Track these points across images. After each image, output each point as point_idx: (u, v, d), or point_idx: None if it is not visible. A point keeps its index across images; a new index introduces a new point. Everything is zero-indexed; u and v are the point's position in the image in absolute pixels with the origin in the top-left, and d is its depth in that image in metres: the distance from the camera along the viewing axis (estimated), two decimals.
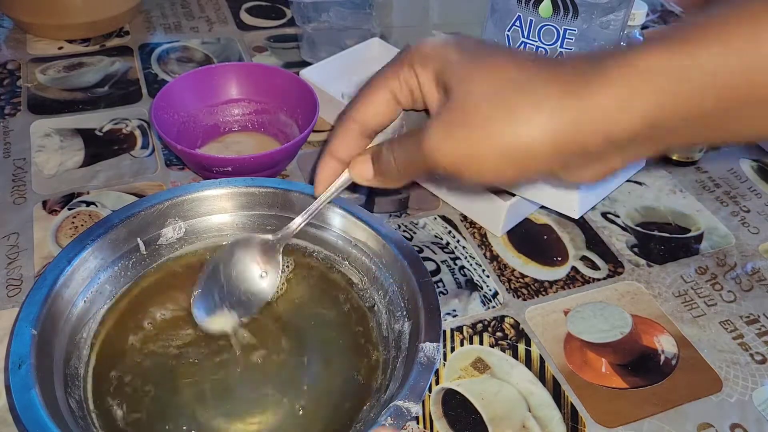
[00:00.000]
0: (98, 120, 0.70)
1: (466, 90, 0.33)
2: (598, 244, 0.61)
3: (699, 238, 0.63)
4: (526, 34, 0.68)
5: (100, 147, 0.67)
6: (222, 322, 0.47)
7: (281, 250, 0.47)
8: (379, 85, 0.39)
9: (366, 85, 0.40)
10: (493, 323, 0.54)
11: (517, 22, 0.61)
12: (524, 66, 0.33)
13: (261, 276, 0.47)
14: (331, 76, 0.71)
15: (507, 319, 0.54)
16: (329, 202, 0.45)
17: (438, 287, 0.56)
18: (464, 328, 0.53)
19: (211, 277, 0.47)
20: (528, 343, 0.52)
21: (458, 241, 0.60)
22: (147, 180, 0.63)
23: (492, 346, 0.52)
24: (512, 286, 0.57)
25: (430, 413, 0.47)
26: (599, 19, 0.63)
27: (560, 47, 0.66)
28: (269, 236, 0.48)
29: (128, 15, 0.85)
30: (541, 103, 0.31)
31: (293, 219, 0.47)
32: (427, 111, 0.38)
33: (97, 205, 0.60)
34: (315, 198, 0.45)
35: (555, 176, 0.34)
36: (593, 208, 0.64)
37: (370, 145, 0.42)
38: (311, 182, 0.45)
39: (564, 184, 0.50)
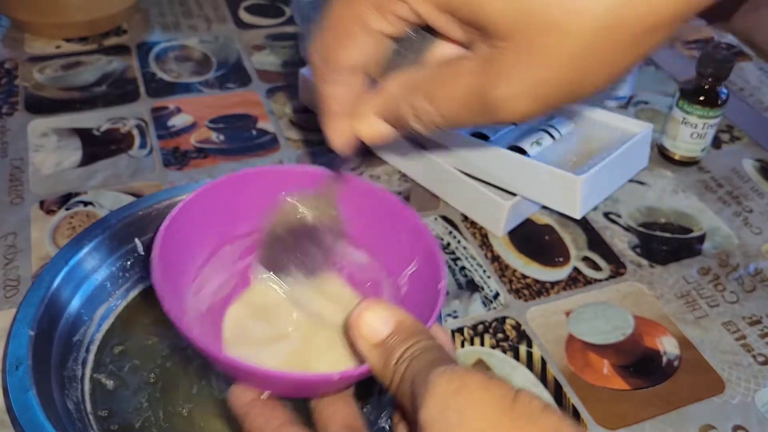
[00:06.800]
0: (96, 119, 0.70)
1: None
2: (600, 245, 0.61)
3: (701, 239, 0.62)
4: None
5: (98, 146, 0.67)
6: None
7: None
8: (356, 24, 0.31)
9: (330, 27, 0.33)
10: (494, 324, 0.53)
11: None
12: None
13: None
14: None
15: (508, 321, 0.54)
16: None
17: None
18: (465, 329, 0.53)
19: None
20: (529, 344, 0.52)
21: (459, 242, 0.60)
22: (145, 180, 0.63)
23: (493, 347, 0.52)
24: (513, 287, 0.56)
25: None
26: None
27: None
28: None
29: (126, 13, 0.84)
30: None
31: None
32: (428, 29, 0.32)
33: (94, 205, 0.60)
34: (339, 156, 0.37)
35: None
36: (595, 208, 0.64)
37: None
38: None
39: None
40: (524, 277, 0.57)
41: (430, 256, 0.38)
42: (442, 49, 0.32)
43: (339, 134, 0.36)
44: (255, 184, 0.40)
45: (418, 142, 0.61)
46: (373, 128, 0.35)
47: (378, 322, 0.30)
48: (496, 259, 0.59)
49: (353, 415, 0.34)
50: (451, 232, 0.60)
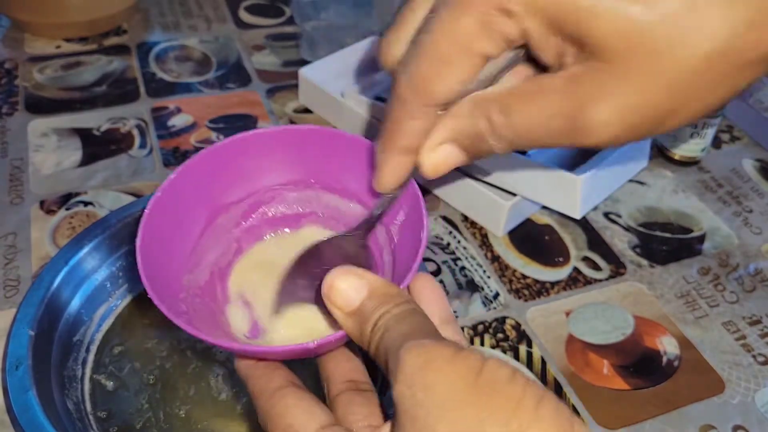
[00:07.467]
0: (96, 119, 0.70)
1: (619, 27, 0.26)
2: (600, 245, 0.61)
3: (701, 239, 0.62)
4: None
5: (98, 146, 0.67)
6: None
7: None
8: (459, 47, 0.28)
9: (427, 52, 0.29)
10: (494, 324, 0.53)
11: None
12: None
13: None
14: (330, 75, 0.71)
15: (508, 321, 0.54)
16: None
17: None
18: (465, 329, 0.53)
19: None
20: (529, 344, 0.52)
21: (459, 242, 0.60)
22: (145, 180, 0.63)
23: (493, 347, 0.52)
24: (513, 287, 0.56)
25: None
26: None
27: None
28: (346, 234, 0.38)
29: (126, 13, 0.84)
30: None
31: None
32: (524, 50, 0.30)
33: (94, 205, 0.60)
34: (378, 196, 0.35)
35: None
36: (595, 208, 0.64)
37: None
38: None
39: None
40: (524, 277, 0.57)
41: (414, 204, 0.36)
42: (516, 73, 0.31)
43: (394, 170, 0.33)
44: (237, 152, 0.39)
45: None
46: (442, 156, 0.32)
47: (350, 289, 0.29)
48: (496, 259, 0.59)
49: (355, 369, 0.33)
50: (451, 232, 0.60)
